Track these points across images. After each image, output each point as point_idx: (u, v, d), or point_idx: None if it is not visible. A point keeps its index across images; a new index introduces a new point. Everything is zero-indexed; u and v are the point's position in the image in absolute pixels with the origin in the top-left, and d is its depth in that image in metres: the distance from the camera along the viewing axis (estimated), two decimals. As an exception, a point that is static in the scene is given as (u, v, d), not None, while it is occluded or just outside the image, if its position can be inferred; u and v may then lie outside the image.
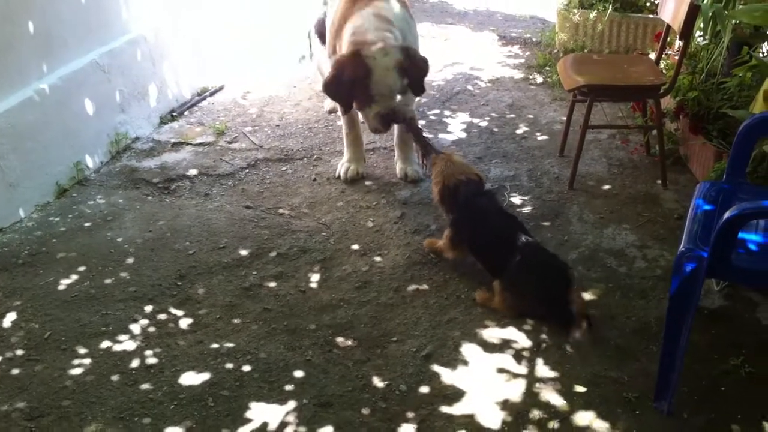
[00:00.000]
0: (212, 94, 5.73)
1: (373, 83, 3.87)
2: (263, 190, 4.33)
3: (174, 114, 5.34)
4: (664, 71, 4.52)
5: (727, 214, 2.45)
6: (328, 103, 5.52)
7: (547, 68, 6.04)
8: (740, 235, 2.53)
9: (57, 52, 4.34)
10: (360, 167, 4.47)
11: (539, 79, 5.91)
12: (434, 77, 5.90)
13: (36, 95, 4.15)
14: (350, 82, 3.89)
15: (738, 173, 3.09)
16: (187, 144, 4.90)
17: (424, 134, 4.08)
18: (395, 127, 4.56)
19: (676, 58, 4.34)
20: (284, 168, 4.58)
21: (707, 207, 2.91)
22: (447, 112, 5.25)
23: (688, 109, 4.35)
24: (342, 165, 4.49)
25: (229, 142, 4.92)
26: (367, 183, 4.37)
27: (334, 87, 3.99)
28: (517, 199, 4.16)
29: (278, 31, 6.16)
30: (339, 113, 4.51)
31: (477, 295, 3.39)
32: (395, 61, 3.89)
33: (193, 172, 4.53)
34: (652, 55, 4.80)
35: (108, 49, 4.76)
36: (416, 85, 4.08)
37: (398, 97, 4.00)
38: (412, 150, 4.49)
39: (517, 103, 5.46)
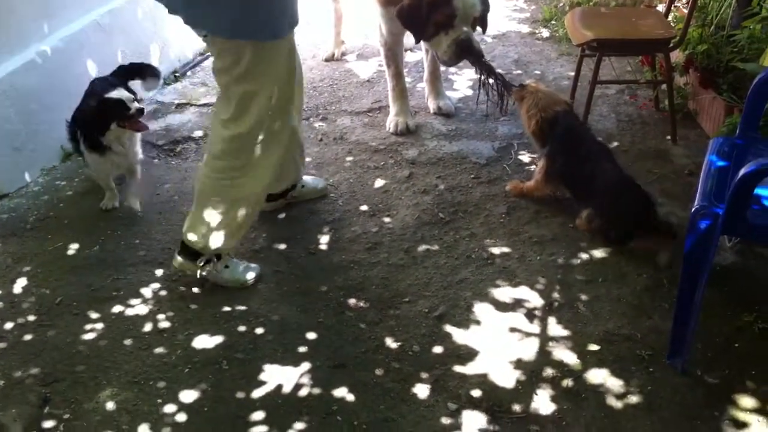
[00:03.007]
0: (214, 53, 5.65)
1: (456, 2, 3.76)
2: (269, 151, 4.28)
3: (177, 74, 5.28)
4: (672, 24, 4.44)
5: (743, 171, 2.43)
6: (325, 50, 5.46)
7: (553, 22, 5.95)
8: (755, 191, 2.51)
9: (57, 12, 4.27)
10: (408, 120, 4.45)
11: (545, 34, 5.82)
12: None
13: (38, 57, 4.09)
14: (429, 5, 3.78)
15: (751, 128, 3.06)
16: (191, 105, 4.85)
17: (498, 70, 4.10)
18: (425, 63, 4.61)
19: (685, 10, 4.27)
20: (290, 128, 4.53)
21: (721, 163, 2.89)
22: (452, 69, 5.16)
23: (698, 63, 4.29)
24: (390, 120, 4.48)
25: (234, 103, 4.86)
26: (374, 143, 4.32)
27: (408, 12, 3.85)
28: (525, 157, 4.13)
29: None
30: (385, 67, 4.42)
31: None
32: None
33: (198, 133, 4.49)
34: (660, 8, 4.73)
35: (108, 9, 4.67)
36: (483, 20, 4.04)
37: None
38: (442, 84, 4.65)
39: (523, 59, 5.39)
